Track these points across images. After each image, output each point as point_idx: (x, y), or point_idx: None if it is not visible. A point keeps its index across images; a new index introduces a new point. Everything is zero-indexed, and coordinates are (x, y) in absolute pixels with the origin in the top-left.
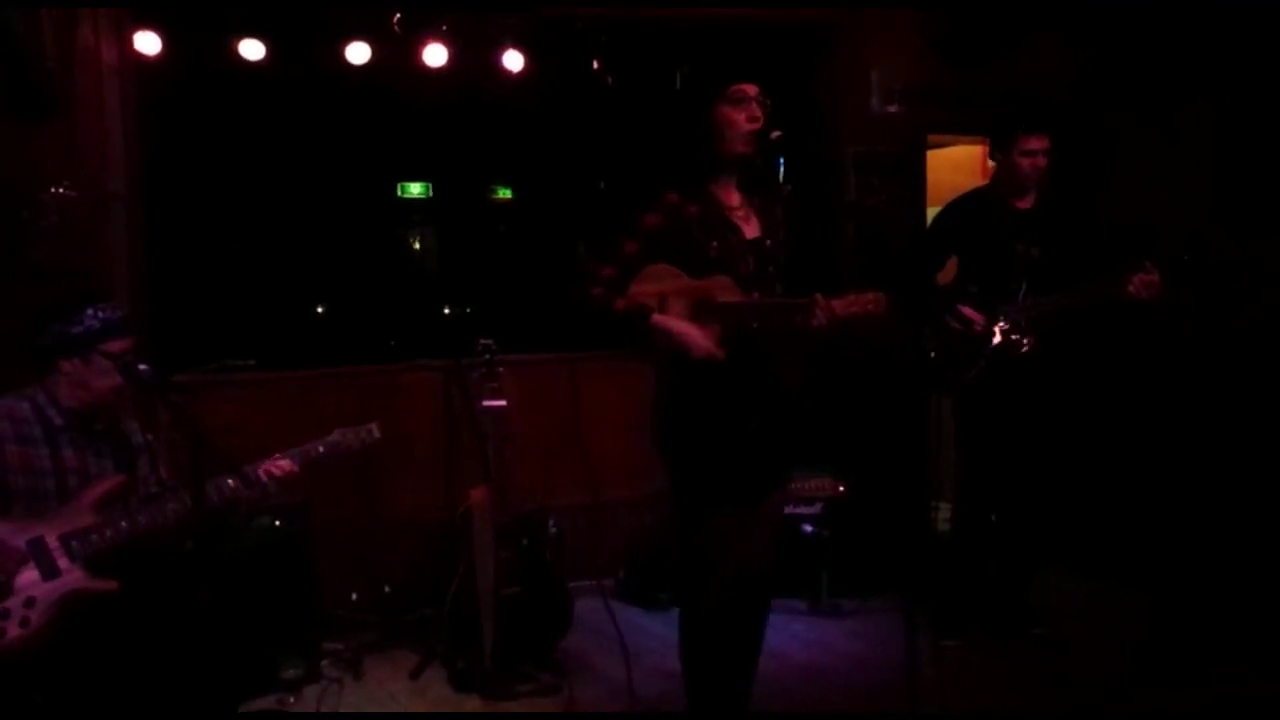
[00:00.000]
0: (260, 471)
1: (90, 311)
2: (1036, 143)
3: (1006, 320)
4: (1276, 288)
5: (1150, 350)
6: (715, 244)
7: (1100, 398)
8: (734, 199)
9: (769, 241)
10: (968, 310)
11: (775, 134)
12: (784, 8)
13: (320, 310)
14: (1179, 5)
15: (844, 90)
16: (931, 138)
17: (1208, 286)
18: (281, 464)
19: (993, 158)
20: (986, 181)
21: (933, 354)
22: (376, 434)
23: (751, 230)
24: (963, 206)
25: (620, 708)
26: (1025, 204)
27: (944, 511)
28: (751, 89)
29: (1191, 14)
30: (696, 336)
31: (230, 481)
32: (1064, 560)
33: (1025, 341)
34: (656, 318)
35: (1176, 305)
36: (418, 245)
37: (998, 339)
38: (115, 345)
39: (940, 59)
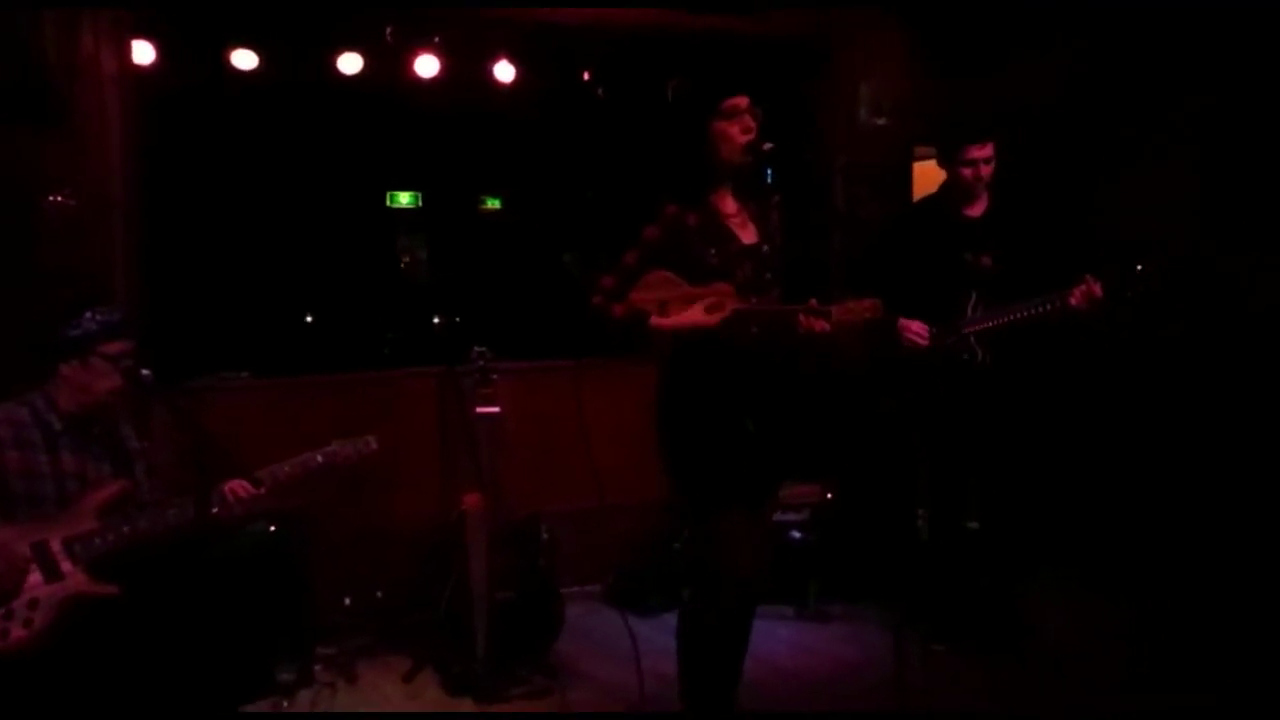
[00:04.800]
0: (263, 475)
1: (89, 315)
2: (978, 152)
3: (953, 335)
4: (1263, 294)
5: (1133, 358)
6: (714, 252)
7: (1082, 407)
8: (731, 207)
9: (766, 247)
10: (914, 324)
11: (767, 145)
12: (773, 6)
13: (310, 319)
14: (1167, 12)
15: (833, 103)
16: (920, 149)
17: (1179, 294)
18: (280, 472)
19: (940, 166)
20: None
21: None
22: (374, 445)
23: (748, 236)
24: (911, 215)
25: (612, 709)
26: (976, 212)
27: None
28: (743, 101)
29: (1179, 21)
30: (692, 315)
31: (226, 487)
32: (1053, 568)
33: (979, 354)
34: (654, 320)
35: (1156, 314)
36: (407, 255)
37: (946, 353)
38: (114, 347)
39: (928, 72)
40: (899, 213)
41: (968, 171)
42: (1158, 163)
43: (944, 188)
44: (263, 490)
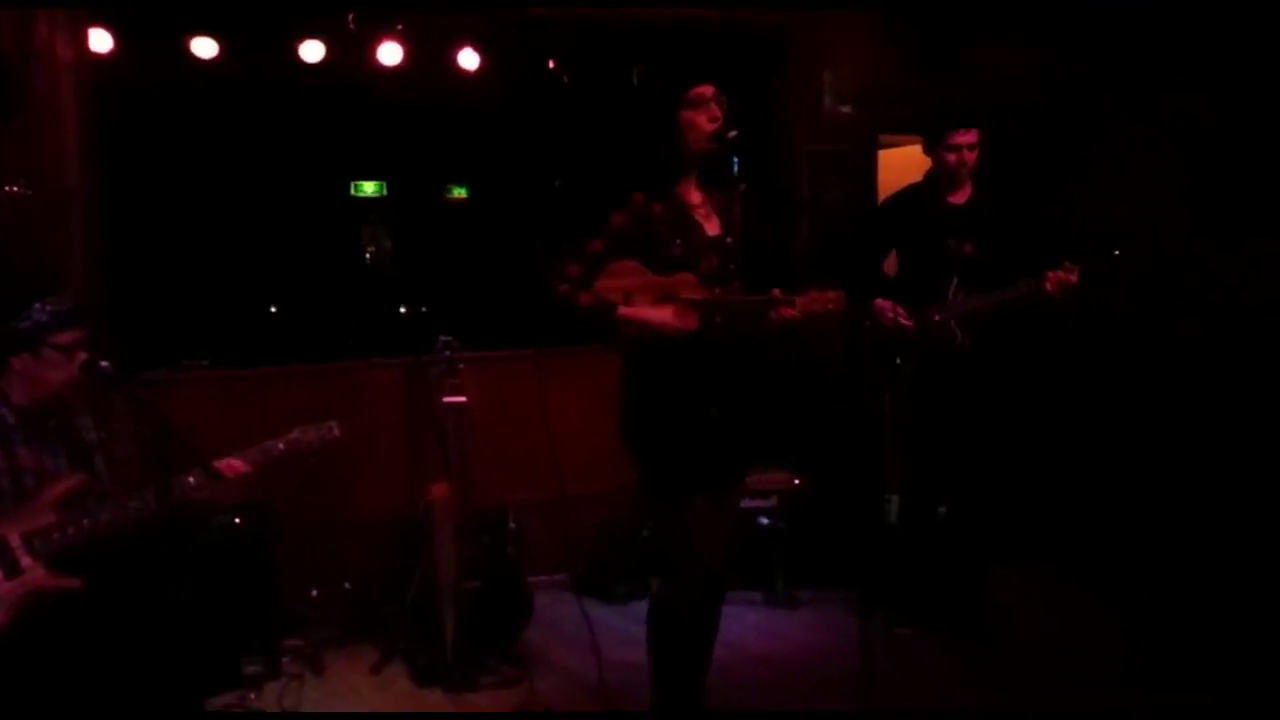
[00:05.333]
0: (221, 467)
1: (38, 306)
2: (962, 137)
3: (935, 318)
4: (1244, 288)
5: (1115, 346)
6: (679, 242)
7: (1056, 395)
8: (696, 197)
9: (729, 239)
10: (896, 307)
11: (732, 133)
12: (739, 7)
13: (274, 309)
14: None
15: (798, 91)
16: (884, 137)
17: (1157, 285)
18: (239, 461)
19: (925, 153)
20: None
21: (866, 347)
22: (336, 432)
23: (713, 228)
24: (896, 202)
25: (579, 698)
26: (959, 199)
27: (895, 504)
28: (708, 90)
29: (1168, 13)
30: (663, 314)
31: (190, 478)
32: (1023, 557)
33: (958, 337)
34: (622, 309)
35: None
36: (372, 244)
37: (926, 335)
38: (64, 337)
39: (892, 61)
40: (882, 199)
41: (951, 157)
42: (1146, 155)
43: (929, 175)
44: (226, 480)
